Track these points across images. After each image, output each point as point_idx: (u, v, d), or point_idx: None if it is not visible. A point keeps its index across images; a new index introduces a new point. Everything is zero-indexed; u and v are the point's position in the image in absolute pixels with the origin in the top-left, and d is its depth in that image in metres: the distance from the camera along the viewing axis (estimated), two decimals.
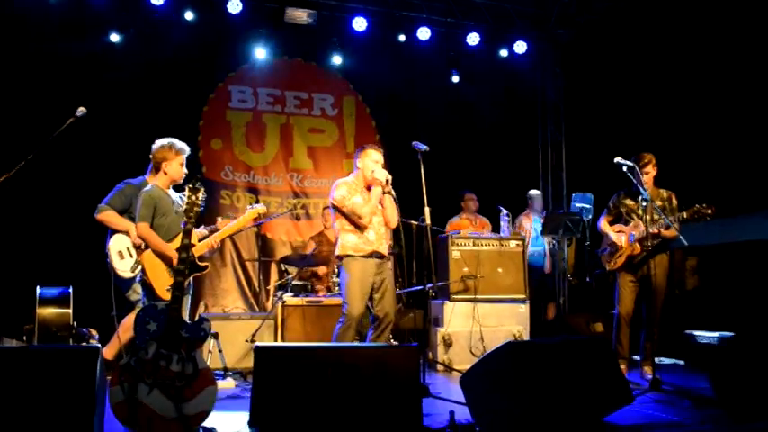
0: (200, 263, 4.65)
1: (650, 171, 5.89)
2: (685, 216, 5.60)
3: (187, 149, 5.03)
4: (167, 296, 4.34)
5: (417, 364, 3.99)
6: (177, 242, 4.54)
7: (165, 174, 4.95)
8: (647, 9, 7.91)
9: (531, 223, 8.31)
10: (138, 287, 5.44)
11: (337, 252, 5.36)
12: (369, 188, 5.39)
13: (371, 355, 4.05)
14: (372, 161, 5.36)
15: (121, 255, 5.61)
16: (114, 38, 7.79)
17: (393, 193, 5.36)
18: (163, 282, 4.58)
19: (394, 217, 5.45)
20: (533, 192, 8.55)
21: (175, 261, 4.48)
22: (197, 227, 5.08)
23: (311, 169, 8.97)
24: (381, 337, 5.32)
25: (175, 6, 7.71)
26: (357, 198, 5.29)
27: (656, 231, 5.73)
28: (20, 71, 7.21)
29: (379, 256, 5.34)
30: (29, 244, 6.99)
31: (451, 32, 8.79)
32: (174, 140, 5.00)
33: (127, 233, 5.63)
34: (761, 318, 6.53)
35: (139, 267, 5.51)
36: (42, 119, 5.98)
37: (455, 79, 9.28)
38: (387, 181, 5.27)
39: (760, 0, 6.84)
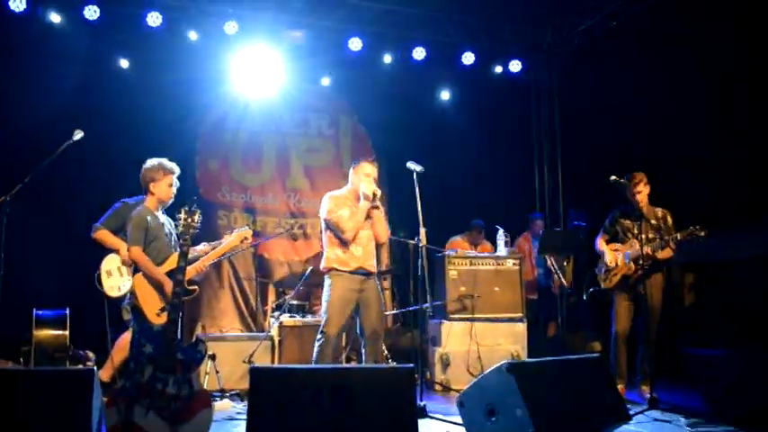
0: (188, 287, 4.64)
1: (642, 190, 5.92)
2: (679, 237, 5.65)
3: (176, 170, 5.01)
4: (157, 320, 4.35)
5: (414, 385, 3.99)
6: (167, 265, 4.56)
7: (153, 194, 4.95)
8: (641, 28, 7.97)
9: (531, 244, 8.33)
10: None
11: (322, 265, 5.34)
12: (358, 200, 5.37)
13: (368, 376, 4.04)
14: (364, 174, 5.34)
15: (110, 273, 5.67)
16: (117, 63, 7.85)
17: (381, 207, 5.37)
18: (152, 305, 4.58)
19: (383, 232, 5.44)
20: (536, 216, 8.61)
21: (167, 286, 4.49)
22: (195, 245, 5.09)
23: (308, 189, 8.95)
24: (374, 353, 5.26)
25: (172, 27, 7.75)
26: (344, 211, 5.29)
27: (650, 253, 5.74)
28: (19, 91, 7.23)
29: (365, 272, 5.29)
30: (26, 265, 6.97)
31: (447, 52, 8.83)
32: (163, 160, 4.99)
33: (118, 252, 5.66)
34: (757, 334, 6.54)
35: (126, 287, 5.53)
36: (40, 140, 6.00)
37: (451, 98, 9.33)
38: (374, 195, 5.25)
39: (753, 17, 6.90)
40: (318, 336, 5.18)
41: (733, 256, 7.58)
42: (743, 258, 7.48)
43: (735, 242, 7.46)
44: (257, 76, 8.57)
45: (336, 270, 5.24)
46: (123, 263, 5.65)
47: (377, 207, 5.34)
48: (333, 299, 5.19)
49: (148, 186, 4.96)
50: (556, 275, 7.95)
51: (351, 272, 5.23)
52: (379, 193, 5.30)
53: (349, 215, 5.27)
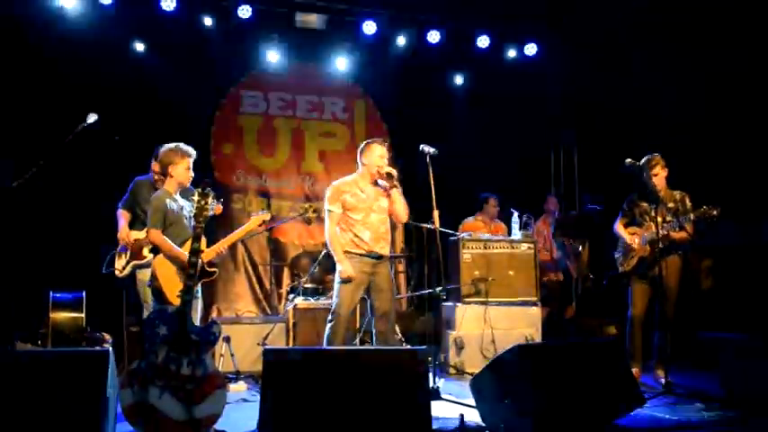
0: (208, 269, 4.66)
1: (659, 172, 5.87)
2: (692, 217, 5.59)
3: (193, 153, 5.02)
4: (178, 301, 4.35)
5: (427, 367, 3.99)
6: (186, 247, 4.57)
7: (172, 177, 4.97)
8: (660, 10, 7.87)
9: (549, 227, 8.29)
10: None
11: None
12: (376, 183, 5.35)
13: (381, 358, 4.06)
14: (378, 156, 5.28)
15: (120, 255, 5.81)
16: (132, 46, 7.87)
17: (399, 187, 5.32)
18: (174, 287, 4.59)
19: (402, 212, 5.37)
20: (549, 196, 8.57)
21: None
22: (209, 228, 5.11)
23: (323, 173, 8.96)
24: (385, 336, 5.24)
25: (187, 12, 7.75)
26: (346, 197, 5.23)
27: (665, 233, 5.70)
28: (34, 78, 7.27)
29: (376, 256, 5.25)
30: (42, 248, 7.03)
31: (461, 34, 8.77)
32: (180, 144, 5.01)
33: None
34: None
35: (128, 268, 5.66)
36: (55, 124, 6.04)
37: (466, 81, 9.29)
38: (391, 176, 5.21)
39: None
40: (330, 317, 5.20)
41: (751, 241, 7.52)
42: (760, 243, 7.41)
43: (753, 227, 7.40)
44: (272, 60, 8.57)
45: (347, 252, 5.23)
46: (120, 243, 5.75)
47: (395, 186, 5.29)
48: (344, 281, 5.19)
49: (167, 169, 4.98)
50: (568, 260, 7.92)
51: (361, 254, 5.22)
52: (395, 172, 5.26)
53: (355, 202, 5.24)
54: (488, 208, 8.02)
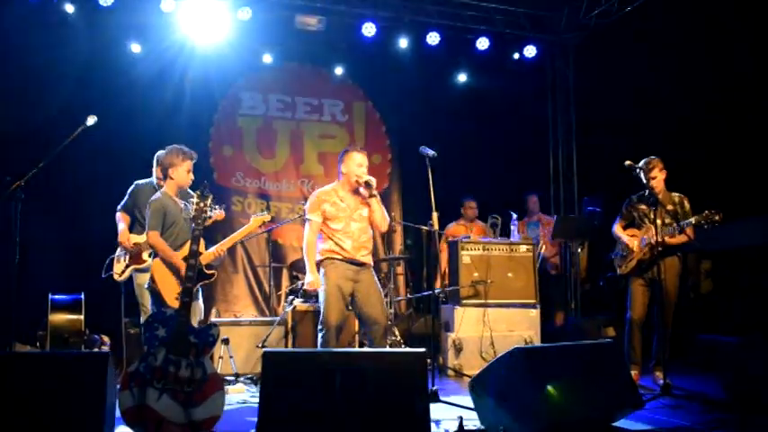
0: (207, 271, 4.66)
1: (657, 175, 5.86)
2: (693, 222, 5.59)
3: (194, 155, 5.03)
4: (176, 304, 4.35)
5: (425, 369, 3.99)
6: (186, 249, 4.57)
7: (172, 179, 4.97)
8: (656, 13, 7.89)
9: (525, 227, 8.29)
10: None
11: (317, 258, 5.26)
12: (356, 191, 5.28)
13: (379, 360, 4.05)
14: (356, 165, 5.21)
15: (118, 259, 5.81)
16: (130, 48, 7.87)
17: (377, 195, 5.27)
18: (171, 290, 4.59)
19: (381, 220, 5.29)
20: (529, 195, 8.57)
21: (183, 270, 4.50)
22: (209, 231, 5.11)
23: (322, 175, 8.95)
24: (379, 343, 5.14)
25: (185, 13, 7.74)
26: (326, 206, 5.18)
27: (660, 240, 5.67)
28: (34, 78, 7.27)
29: (357, 263, 5.18)
30: (41, 250, 7.02)
31: (461, 37, 8.79)
32: (182, 146, 5.01)
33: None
34: None
35: (127, 272, 5.71)
36: (54, 126, 6.04)
37: (465, 84, 9.29)
38: (369, 184, 5.15)
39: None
40: (319, 326, 5.10)
41: (750, 243, 7.52)
42: (759, 245, 7.42)
43: (752, 228, 7.40)
44: (271, 62, 8.57)
45: (329, 259, 5.17)
46: (122, 248, 5.75)
47: (374, 195, 5.24)
48: (328, 287, 5.09)
49: (167, 172, 4.99)
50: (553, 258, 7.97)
51: (342, 260, 5.15)
52: (373, 181, 5.20)
53: (335, 210, 5.18)
54: (465, 210, 8.07)
